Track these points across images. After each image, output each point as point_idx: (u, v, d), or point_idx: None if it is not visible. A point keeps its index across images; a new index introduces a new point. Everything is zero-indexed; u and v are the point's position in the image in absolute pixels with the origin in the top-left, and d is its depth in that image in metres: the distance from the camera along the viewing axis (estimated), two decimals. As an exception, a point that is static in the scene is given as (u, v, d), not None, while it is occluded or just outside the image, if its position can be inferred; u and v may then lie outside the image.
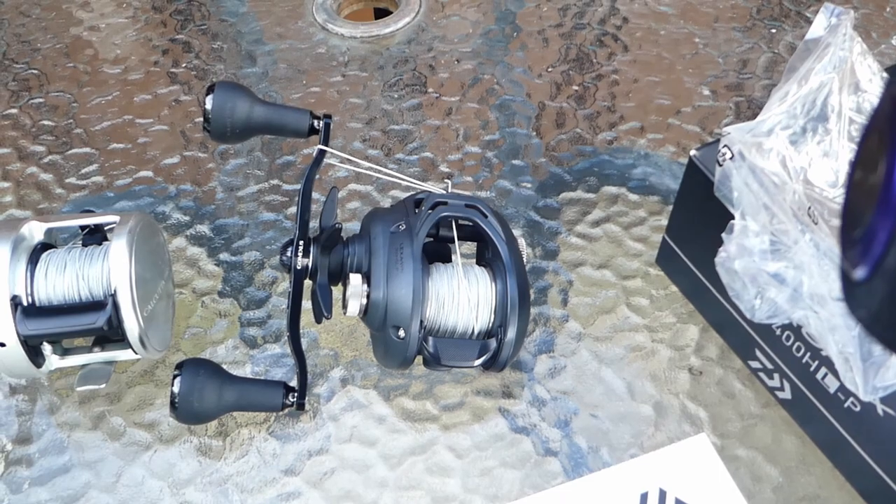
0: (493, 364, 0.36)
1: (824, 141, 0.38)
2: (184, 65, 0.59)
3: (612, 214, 0.48)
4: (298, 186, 0.49)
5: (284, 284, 0.45)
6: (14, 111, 0.56)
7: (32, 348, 0.37)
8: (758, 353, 0.39)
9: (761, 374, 0.39)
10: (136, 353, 0.38)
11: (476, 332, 0.37)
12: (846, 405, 0.34)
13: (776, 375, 0.38)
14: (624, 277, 0.45)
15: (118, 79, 0.58)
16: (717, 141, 0.36)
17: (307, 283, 0.37)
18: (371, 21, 0.63)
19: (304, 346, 0.38)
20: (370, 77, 0.57)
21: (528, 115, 0.54)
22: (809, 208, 0.34)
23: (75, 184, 0.51)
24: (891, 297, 0.17)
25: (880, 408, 0.32)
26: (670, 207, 0.43)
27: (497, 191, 0.50)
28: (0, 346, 0.35)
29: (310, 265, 0.37)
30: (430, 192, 0.39)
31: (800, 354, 0.35)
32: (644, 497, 0.36)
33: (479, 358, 0.36)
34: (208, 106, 0.39)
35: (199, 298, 0.45)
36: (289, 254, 0.37)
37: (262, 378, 0.41)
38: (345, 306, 0.36)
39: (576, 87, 0.56)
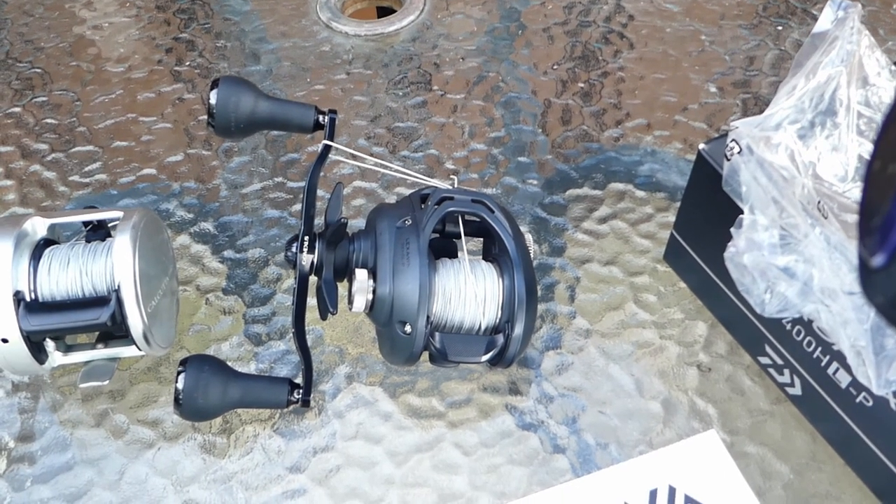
0: (501, 360, 0.36)
1: (833, 135, 0.38)
2: (187, 63, 0.59)
3: (618, 211, 0.48)
4: (303, 184, 0.49)
5: (289, 281, 0.45)
6: (17, 109, 0.56)
7: (35, 344, 0.36)
8: (767, 349, 0.38)
9: (771, 370, 0.39)
10: (140, 350, 0.37)
11: (483, 327, 0.36)
12: (858, 400, 0.33)
13: (786, 371, 0.38)
14: (631, 274, 0.45)
15: (121, 77, 0.58)
16: (726, 135, 0.36)
17: (312, 279, 0.37)
18: (375, 19, 0.63)
19: (309, 343, 0.37)
20: (375, 75, 0.57)
21: (533, 112, 0.54)
22: (819, 202, 0.34)
23: (78, 181, 0.51)
24: None
25: (893, 402, 0.32)
26: (677, 204, 0.43)
27: (503, 188, 0.49)
28: (3, 341, 0.35)
29: (315, 261, 0.37)
30: (436, 187, 0.39)
31: (811, 349, 0.35)
32: (653, 494, 0.35)
33: (486, 353, 0.36)
34: (212, 101, 0.39)
35: (204, 296, 0.45)
36: (294, 250, 0.37)
37: (267, 375, 0.41)
38: (350, 302, 0.36)
39: (582, 85, 0.56)
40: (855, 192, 0.38)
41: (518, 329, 0.35)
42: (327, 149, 0.40)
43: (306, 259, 0.36)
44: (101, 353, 0.38)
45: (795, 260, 0.32)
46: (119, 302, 0.36)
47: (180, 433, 0.39)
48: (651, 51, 0.58)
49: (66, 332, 0.37)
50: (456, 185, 0.40)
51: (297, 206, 0.49)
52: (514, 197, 0.49)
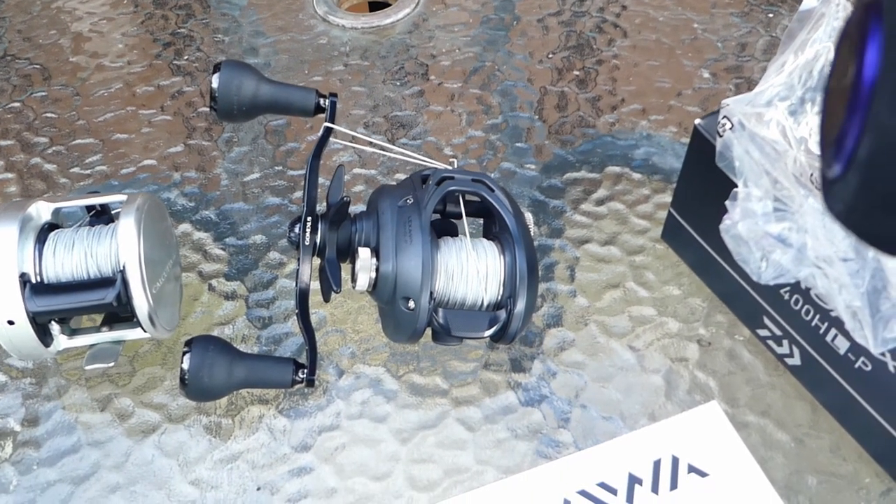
0: (503, 336, 0.36)
1: (824, 111, 0.39)
2: (186, 57, 0.60)
3: (616, 193, 0.48)
4: (303, 171, 0.49)
5: (291, 266, 0.45)
6: (17, 105, 0.56)
7: (41, 326, 0.36)
8: (766, 321, 0.39)
9: (770, 342, 0.39)
10: (145, 331, 0.38)
11: (485, 304, 0.37)
12: (857, 365, 0.34)
13: (785, 342, 0.38)
14: (630, 253, 0.45)
15: (120, 72, 0.59)
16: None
17: (315, 262, 0.37)
18: (371, 13, 0.63)
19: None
20: (372, 66, 0.58)
21: (530, 99, 0.55)
22: (812, 175, 0.35)
23: (79, 173, 0.51)
24: (862, 186, 0.18)
25: (892, 365, 0.32)
26: (674, 185, 0.44)
27: (501, 172, 0.50)
28: (9, 323, 0.35)
29: (318, 241, 0.37)
30: (436, 168, 0.39)
31: (808, 318, 0.36)
32: (657, 464, 0.35)
33: (489, 329, 0.36)
34: (214, 84, 0.39)
35: (206, 281, 0.45)
36: (296, 230, 0.37)
37: (272, 355, 0.41)
38: (354, 281, 0.36)
39: (577, 72, 0.56)
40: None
41: (520, 305, 0.36)
42: (328, 131, 0.40)
43: (309, 239, 0.36)
44: (107, 335, 0.38)
45: (789, 228, 0.33)
46: (124, 283, 0.36)
47: (185, 415, 0.39)
48: (644, 39, 0.59)
49: (72, 314, 0.37)
50: (456, 167, 0.40)
51: (298, 194, 0.49)
52: (513, 181, 0.49)
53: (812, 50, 0.39)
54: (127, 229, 0.36)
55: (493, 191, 0.38)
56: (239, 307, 0.44)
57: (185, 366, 0.35)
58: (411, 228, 0.36)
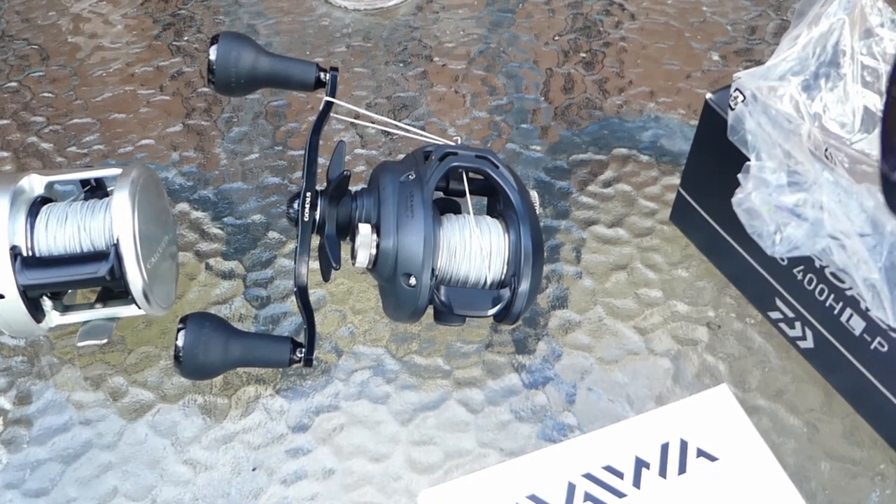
0: (507, 316, 0.35)
1: (837, 87, 0.37)
2: (185, 38, 0.59)
3: (623, 175, 0.47)
4: (303, 151, 0.48)
5: (290, 246, 0.44)
6: (14, 84, 0.55)
7: (32, 301, 0.36)
8: (778, 303, 0.38)
9: (782, 325, 0.38)
10: (140, 308, 0.37)
11: (489, 282, 0.36)
12: (873, 346, 0.33)
13: (797, 324, 0.37)
14: (637, 235, 0.44)
15: (119, 52, 0.58)
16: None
17: (314, 241, 0.36)
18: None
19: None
20: (375, 47, 0.57)
21: (535, 81, 0.54)
22: (826, 150, 0.33)
23: (76, 152, 0.50)
24: None
25: (910, 345, 0.31)
26: (682, 168, 0.43)
27: (506, 153, 0.49)
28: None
29: (317, 217, 0.36)
30: (439, 144, 0.38)
31: (822, 298, 0.34)
32: (665, 448, 0.34)
33: (492, 307, 0.35)
34: (212, 56, 0.38)
35: (203, 260, 0.44)
36: (295, 206, 0.36)
37: (269, 334, 0.40)
38: (354, 257, 0.35)
39: (583, 54, 0.55)
40: (861, 143, 0.38)
41: (524, 284, 0.35)
42: (329, 105, 0.39)
43: (308, 215, 0.35)
44: (100, 312, 0.37)
45: (804, 200, 0.31)
46: (118, 257, 0.35)
47: (180, 394, 0.38)
48: (652, 22, 0.58)
49: (65, 287, 0.36)
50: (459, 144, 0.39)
51: (298, 174, 0.48)
52: (518, 162, 0.48)
53: (826, 23, 0.38)
54: (121, 202, 0.35)
55: (497, 167, 0.37)
56: (236, 286, 0.43)
57: (180, 342, 0.34)
58: (413, 204, 0.35)
